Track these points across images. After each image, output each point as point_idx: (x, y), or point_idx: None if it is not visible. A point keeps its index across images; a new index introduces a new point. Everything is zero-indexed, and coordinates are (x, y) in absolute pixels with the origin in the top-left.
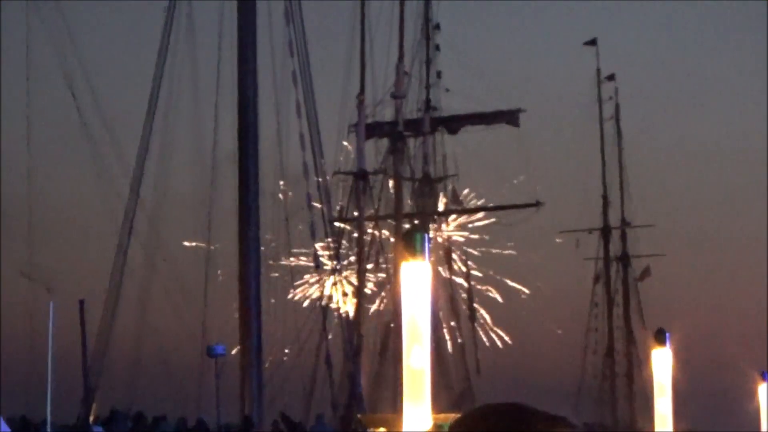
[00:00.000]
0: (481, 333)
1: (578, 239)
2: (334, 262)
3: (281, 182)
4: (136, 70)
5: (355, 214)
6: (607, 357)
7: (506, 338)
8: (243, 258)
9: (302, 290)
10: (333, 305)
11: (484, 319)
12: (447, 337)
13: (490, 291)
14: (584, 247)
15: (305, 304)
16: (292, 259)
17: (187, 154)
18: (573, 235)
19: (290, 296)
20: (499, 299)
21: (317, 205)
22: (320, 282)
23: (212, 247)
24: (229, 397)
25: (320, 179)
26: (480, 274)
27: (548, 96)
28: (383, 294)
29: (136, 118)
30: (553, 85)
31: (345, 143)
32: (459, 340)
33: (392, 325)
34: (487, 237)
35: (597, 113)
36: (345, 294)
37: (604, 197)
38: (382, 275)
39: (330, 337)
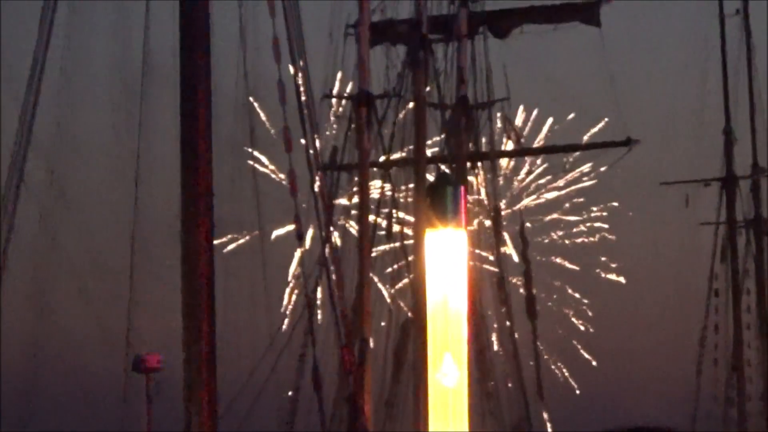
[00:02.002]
0: (544, 337)
1: (689, 194)
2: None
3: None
4: None
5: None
6: (733, 370)
7: (583, 346)
8: (188, 224)
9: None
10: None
11: (550, 315)
12: (494, 342)
13: (559, 272)
14: (698, 207)
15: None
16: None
17: (103, 72)
18: (681, 188)
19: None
20: (572, 287)
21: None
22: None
23: (141, 209)
24: (169, 430)
25: (305, 105)
26: (544, 246)
27: None
28: (394, 266)
29: (31, 22)
30: None
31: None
32: (512, 347)
33: (412, 324)
34: (553, 192)
35: (716, 5)
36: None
37: (727, 132)
38: (397, 248)
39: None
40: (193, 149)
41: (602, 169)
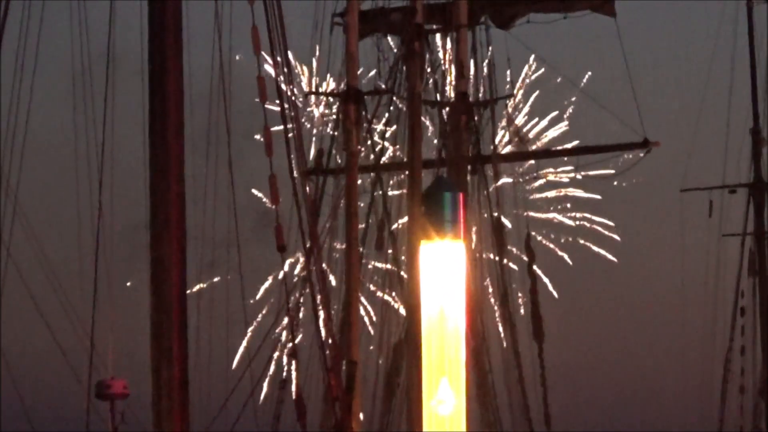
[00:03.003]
0: (551, 360)
1: (712, 202)
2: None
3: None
4: None
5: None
6: (762, 396)
7: (593, 370)
8: (157, 234)
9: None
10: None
11: (559, 336)
12: (495, 366)
13: (569, 290)
14: (722, 216)
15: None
16: None
17: (61, 62)
18: (704, 195)
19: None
20: (585, 303)
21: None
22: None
23: (106, 217)
24: None
25: (287, 103)
26: (551, 262)
27: None
28: (389, 286)
29: None
30: None
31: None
32: (516, 372)
33: (405, 345)
34: (564, 200)
35: None
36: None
37: (755, 132)
38: (388, 266)
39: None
40: (164, 148)
41: (615, 172)
